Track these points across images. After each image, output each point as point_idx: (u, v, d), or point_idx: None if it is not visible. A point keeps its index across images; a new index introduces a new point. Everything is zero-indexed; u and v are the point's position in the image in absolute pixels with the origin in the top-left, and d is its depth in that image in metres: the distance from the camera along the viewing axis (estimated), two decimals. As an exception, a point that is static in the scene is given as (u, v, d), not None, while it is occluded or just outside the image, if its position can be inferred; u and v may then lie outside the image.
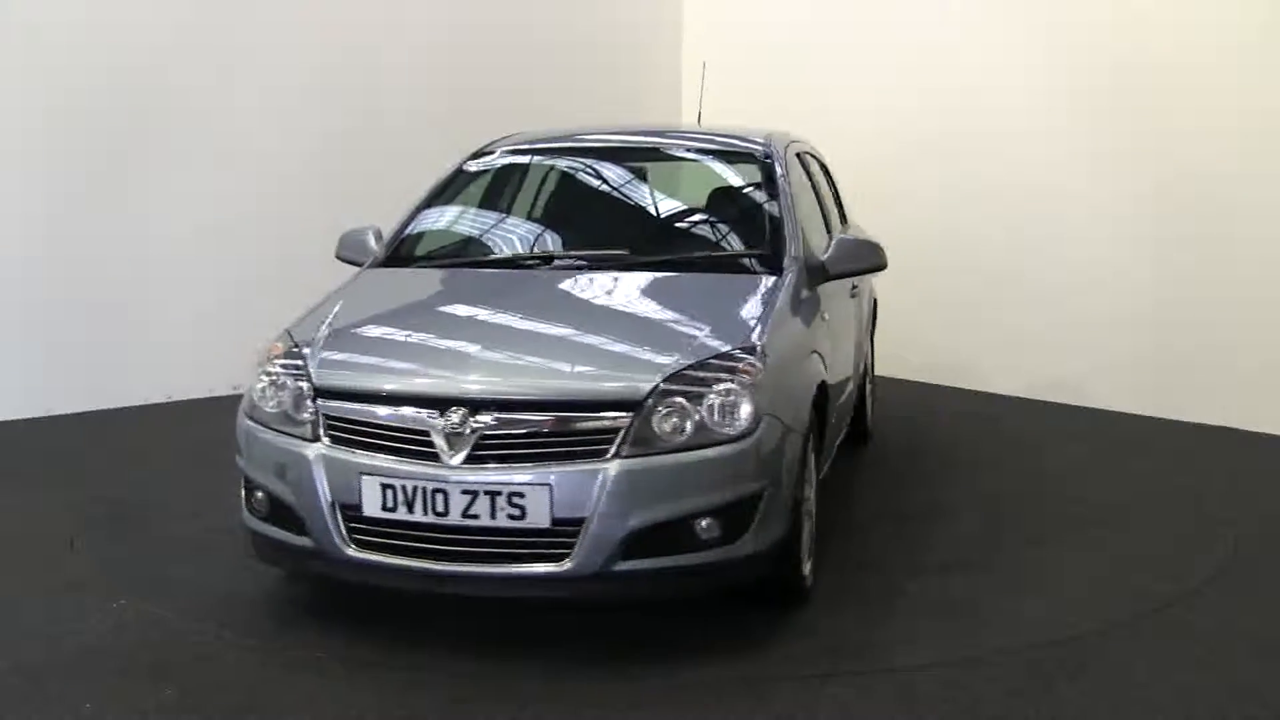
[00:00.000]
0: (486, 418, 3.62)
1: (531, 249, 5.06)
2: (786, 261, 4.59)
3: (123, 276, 7.26)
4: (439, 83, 8.38)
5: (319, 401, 3.83)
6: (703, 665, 3.74)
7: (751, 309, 4.22)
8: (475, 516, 3.57)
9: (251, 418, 4.03)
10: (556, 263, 4.73)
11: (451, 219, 5.22)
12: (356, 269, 4.95)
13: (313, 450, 3.77)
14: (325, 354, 3.98)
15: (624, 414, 3.61)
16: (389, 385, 3.81)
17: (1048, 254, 7.68)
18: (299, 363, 3.96)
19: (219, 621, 4.09)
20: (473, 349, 3.93)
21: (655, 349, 3.90)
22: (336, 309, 4.33)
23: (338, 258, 5.06)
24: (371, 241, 4.97)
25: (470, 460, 3.60)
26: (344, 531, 3.72)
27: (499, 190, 5.42)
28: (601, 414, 3.62)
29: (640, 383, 3.67)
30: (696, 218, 5.32)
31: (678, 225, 5.31)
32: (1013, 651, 3.86)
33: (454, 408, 3.64)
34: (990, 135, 7.89)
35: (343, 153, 8.02)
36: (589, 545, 3.56)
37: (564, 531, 3.56)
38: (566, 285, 4.53)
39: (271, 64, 7.71)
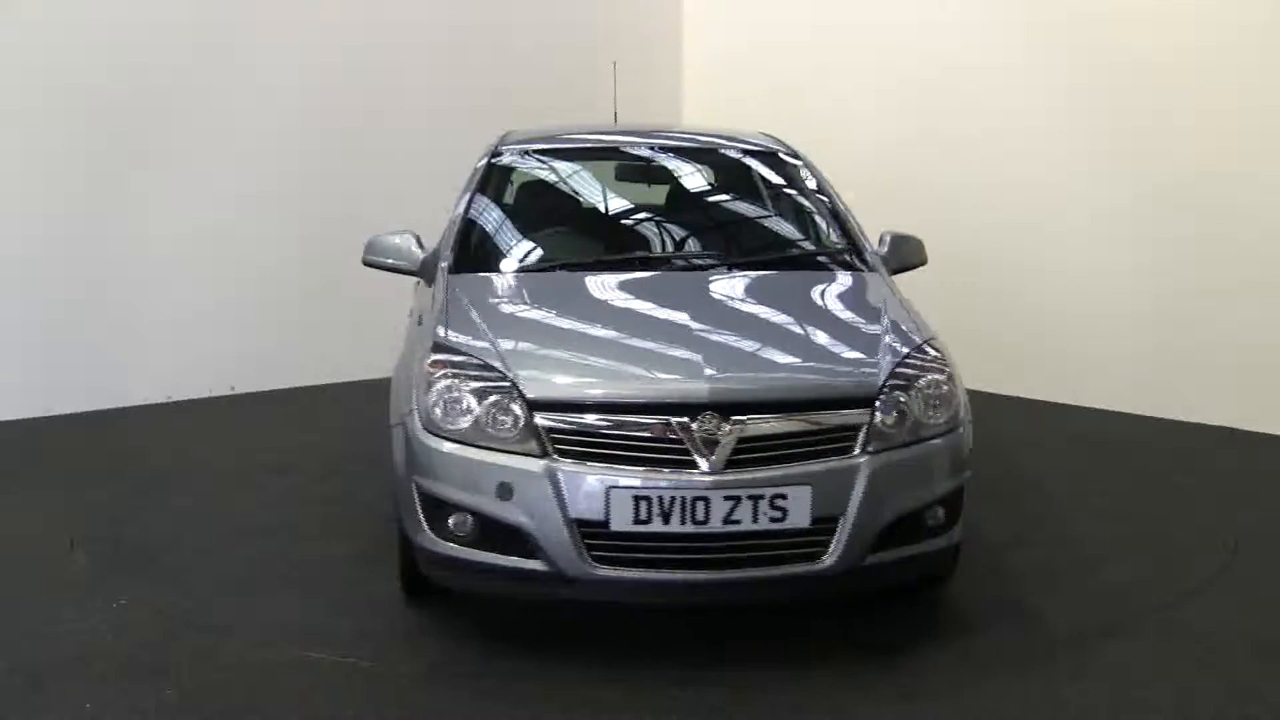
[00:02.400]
0: (740, 421, 3.55)
1: (630, 250, 4.88)
2: (870, 258, 4.78)
3: (123, 276, 7.26)
4: (439, 83, 8.38)
5: (537, 415, 3.58)
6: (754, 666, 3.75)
7: (890, 304, 4.34)
8: (737, 522, 3.49)
9: (441, 435, 3.68)
10: (664, 263, 4.66)
11: (519, 221, 5.03)
12: (399, 275, 4.82)
13: (545, 466, 3.53)
14: (529, 365, 3.74)
15: (863, 410, 3.66)
16: (627, 394, 3.63)
17: (1047, 254, 7.68)
18: (488, 371, 3.70)
19: (218, 620, 4.09)
20: (693, 353, 3.79)
21: (858, 345, 3.99)
22: (478, 318, 4.05)
23: (366, 264, 4.85)
24: (414, 247, 4.77)
25: (728, 465, 3.52)
26: (584, 550, 3.54)
27: (547, 189, 5.27)
28: (846, 410, 3.66)
29: (872, 378, 3.75)
30: (765, 216, 5.28)
31: (753, 224, 5.27)
32: (1012, 652, 3.87)
33: (705, 413, 3.54)
34: (989, 135, 7.89)
35: (343, 153, 8.02)
36: (847, 541, 3.58)
37: (821, 529, 3.57)
38: (710, 286, 4.47)
39: (272, 64, 7.71)
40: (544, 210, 5.17)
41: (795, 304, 4.38)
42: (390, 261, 4.81)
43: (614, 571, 3.54)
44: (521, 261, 4.73)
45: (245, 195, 7.65)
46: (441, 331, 3.98)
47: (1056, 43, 7.55)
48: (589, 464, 3.52)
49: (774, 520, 3.51)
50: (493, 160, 5.20)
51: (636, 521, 3.48)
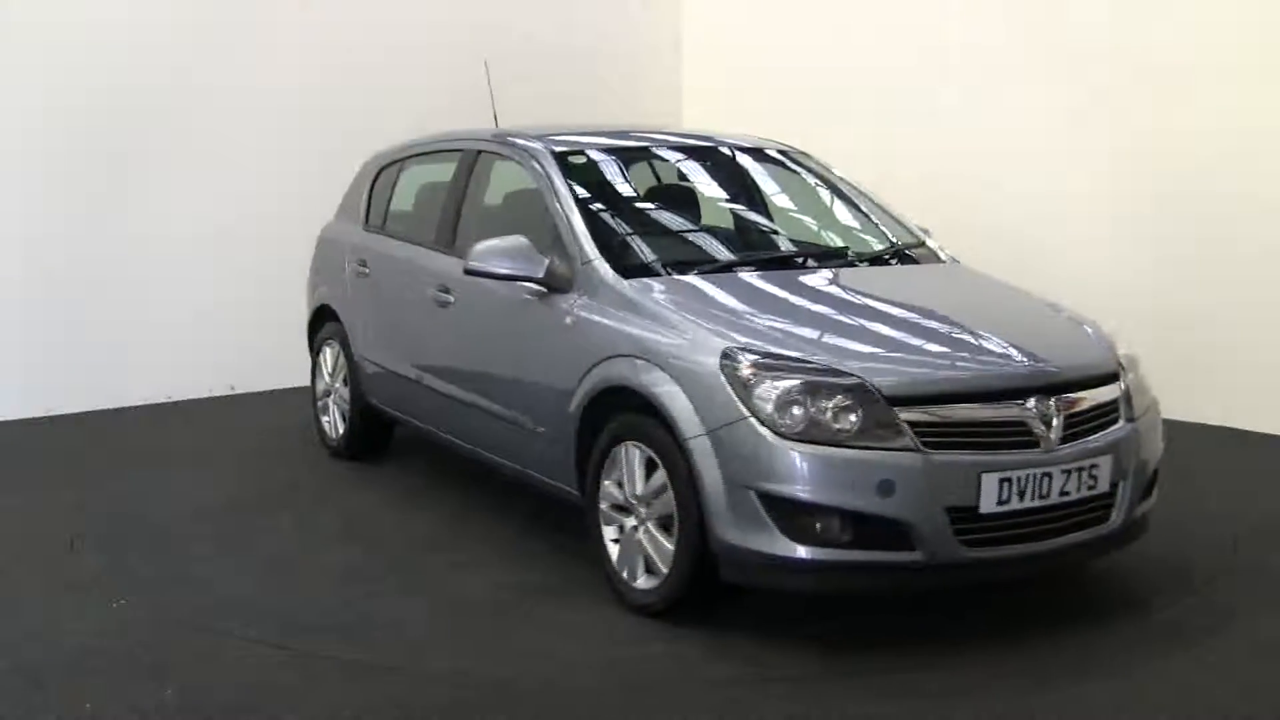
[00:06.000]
0: (1063, 400, 3.87)
1: (765, 248, 5.07)
2: (941, 251, 5.09)
3: (123, 276, 7.26)
4: (439, 84, 8.36)
5: (899, 410, 3.66)
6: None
7: (1008, 288, 4.82)
8: (1068, 493, 3.83)
9: (790, 439, 3.65)
10: (806, 260, 4.84)
11: (645, 222, 4.95)
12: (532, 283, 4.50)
13: (922, 459, 3.63)
14: (865, 361, 3.81)
15: (1117, 384, 4.12)
16: (973, 383, 3.84)
17: (1047, 254, 7.66)
18: (820, 371, 3.72)
19: (218, 619, 4.09)
20: (991, 342, 4.06)
21: (1076, 329, 4.44)
22: (735, 320, 4.07)
23: (471, 273, 4.55)
24: (537, 252, 4.47)
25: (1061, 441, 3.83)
26: (954, 535, 3.67)
27: (632, 190, 5.16)
28: (1112, 385, 4.10)
29: (1113, 356, 4.23)
30: (848, 215, 5.37)
31: (848, 221, 5.35)
32: (1014, 652, 3.87)
33: (1037, 394, 3.82)
34: (989, 136, 7.88)
35: (343, 154, 7.96)
36: (1127, 500, 4.03)
37: (1112, 493, 3.98)
38: (901, 280, 4.78)
39: (272, 65, 7.71)
40: (656, 213, 5.07)
41: (981, 294, 4.76)
42: (505, 269, 4.49)
43: (980, 552, 3.74)
44: (692, 263, 4.57)
45: (245, 195, 7.65)
46: (721, 336, 3.91)
47: (1058, 44, 7.55)
48: (958, 452, 3.70)
49: (1089, 488, 3.88)
50: (562, 160, 4.91)
51: (999, 502, 3.71)
